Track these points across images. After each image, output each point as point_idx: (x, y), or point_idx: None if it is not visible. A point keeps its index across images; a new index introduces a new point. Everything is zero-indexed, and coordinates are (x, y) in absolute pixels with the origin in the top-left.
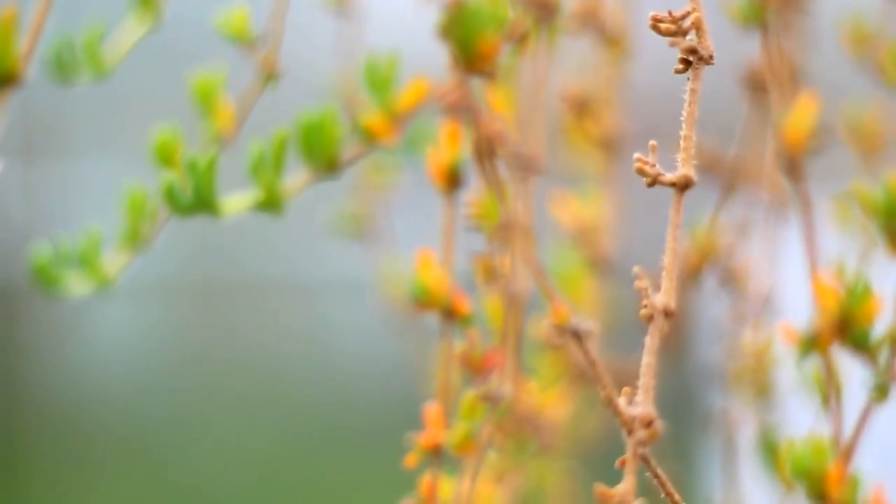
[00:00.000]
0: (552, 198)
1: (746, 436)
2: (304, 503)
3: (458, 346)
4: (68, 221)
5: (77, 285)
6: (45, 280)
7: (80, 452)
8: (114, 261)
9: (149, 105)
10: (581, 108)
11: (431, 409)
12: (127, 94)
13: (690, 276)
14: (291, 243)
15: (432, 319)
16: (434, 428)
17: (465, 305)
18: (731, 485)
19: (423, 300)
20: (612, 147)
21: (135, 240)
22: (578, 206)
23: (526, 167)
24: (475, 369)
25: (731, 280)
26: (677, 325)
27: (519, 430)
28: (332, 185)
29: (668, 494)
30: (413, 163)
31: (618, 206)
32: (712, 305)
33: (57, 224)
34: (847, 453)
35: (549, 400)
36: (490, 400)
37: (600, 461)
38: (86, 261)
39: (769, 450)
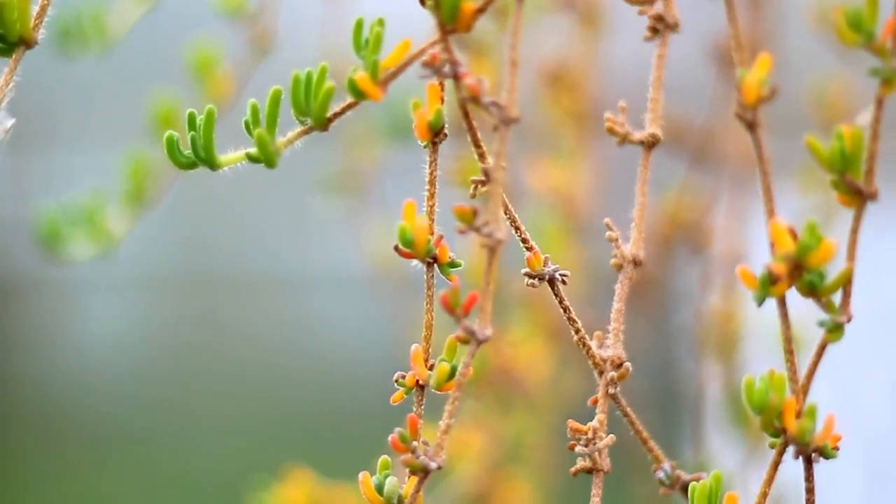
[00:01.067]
0: (530, 165)
1: (714, 393)
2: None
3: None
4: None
5: (82, 245)
6: (50, 239)
7: (69, 444)
8: (118, 221)
9: (137, 96)
10: (557, 81)
11: (415, 350)
12: (115, 85)
13: (662, 242)
14: (279, 237)
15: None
16: (418, 367)
17: (447, 252)
18: (698, 439)
19: (407, 248)
20: (586, 117)
21: (138, 199)
22: (555, 173)
23: (504, 118)
24: (456, 311)
25: (701, 245)
26: (653, 289)
27: (497, 380)
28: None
29: (637, 432)
30: (401, 134)
31: (593, 172)
32: (686, 270)
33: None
34: (804, 388)
35: (527, 353)
36: (471, 337)
37: (578, 418)
38: (91, 219)
39: (735, 406)
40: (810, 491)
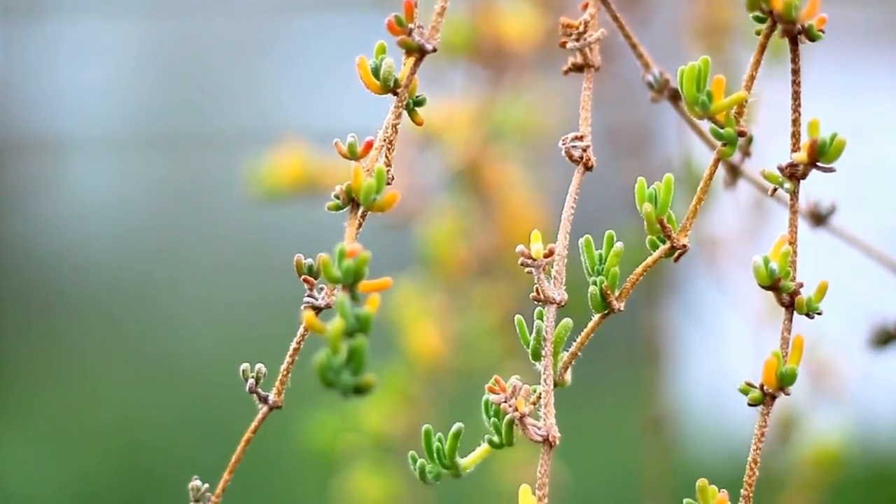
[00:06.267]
0: None
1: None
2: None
3: None
4: (49, 80)
5: None
6: None
7: (56, 305)
8: None
9: None
10: None
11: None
12: None
13: None
14: (268, 94)
15: None
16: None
17: None
18: (684, 139)
19: None
20: None
21: None
22: None
23: None
24: None
25: None
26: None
27: (488, 50)
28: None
29: (627, 37)
30: None
31: None
32: None
33: (37, 83)
34: None
35: (518, 24)
36: None
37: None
38: None
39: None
40: (796, 73)
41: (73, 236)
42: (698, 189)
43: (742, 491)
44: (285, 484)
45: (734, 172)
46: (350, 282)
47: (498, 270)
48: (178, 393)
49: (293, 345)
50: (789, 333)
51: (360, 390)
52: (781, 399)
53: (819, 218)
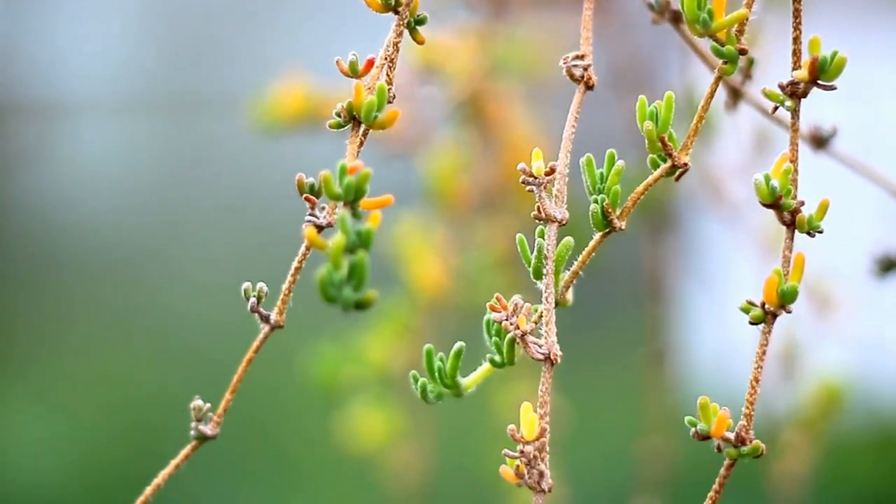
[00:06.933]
0: None
1: None
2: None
3: None
4: (51, 44)
5: None
6: None
7: (55, 271)
8: None
9: None
10: None
11: None
12: None
13: None
14: (275, 57)
15: None
16: None
17: None
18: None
19: None
20: None
21: None
22: None
23: None
24: None
25: None
26: None
27: None
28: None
29: None
30: None
31: None
32: None
33: (39, 46)
34: None
35: None
36: None
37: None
38: None
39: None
40: None
41: (73, 201)
42: (699, 108)
43: (743, 409)
44: (287, 418)
45: (735, 95)
46: (351, 198)
47: (500, 205)
48: (178, 360)
49: (294, 264)
50: (790, 252)
51: (360, 305)
52: (784, 333)
53: (820, 141)
